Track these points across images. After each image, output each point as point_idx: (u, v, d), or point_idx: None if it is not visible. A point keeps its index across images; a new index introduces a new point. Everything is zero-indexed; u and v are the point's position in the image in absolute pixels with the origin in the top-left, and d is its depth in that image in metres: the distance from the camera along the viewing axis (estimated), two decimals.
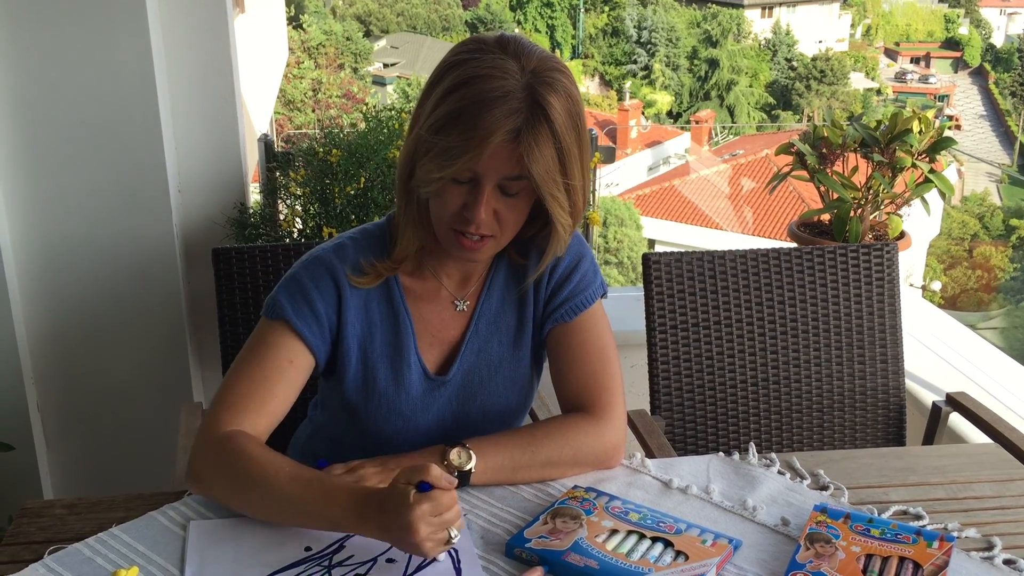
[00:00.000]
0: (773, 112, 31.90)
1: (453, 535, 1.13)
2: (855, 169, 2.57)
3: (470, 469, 1.30)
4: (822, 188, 2.56)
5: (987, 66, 37.08)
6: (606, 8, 34.00)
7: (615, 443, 1.39)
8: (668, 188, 17.99)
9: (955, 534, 1.26)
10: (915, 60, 38.54)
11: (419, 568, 1.17)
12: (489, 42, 1.24)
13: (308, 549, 1.21)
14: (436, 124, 1.21)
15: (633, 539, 1.21)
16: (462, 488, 1.31)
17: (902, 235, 2.55)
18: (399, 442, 1.41)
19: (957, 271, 19.25)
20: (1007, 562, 1.21)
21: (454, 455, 1.30)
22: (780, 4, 36.42)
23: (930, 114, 2.50)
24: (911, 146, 2.45)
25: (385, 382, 1.39)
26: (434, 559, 1.17)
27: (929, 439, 1.99)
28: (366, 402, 1.40)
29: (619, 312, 2.82)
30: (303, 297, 1.34)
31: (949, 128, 2.67)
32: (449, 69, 1.23)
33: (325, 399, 1.51)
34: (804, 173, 2.59)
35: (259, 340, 1.34)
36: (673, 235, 16.30)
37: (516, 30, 32.75)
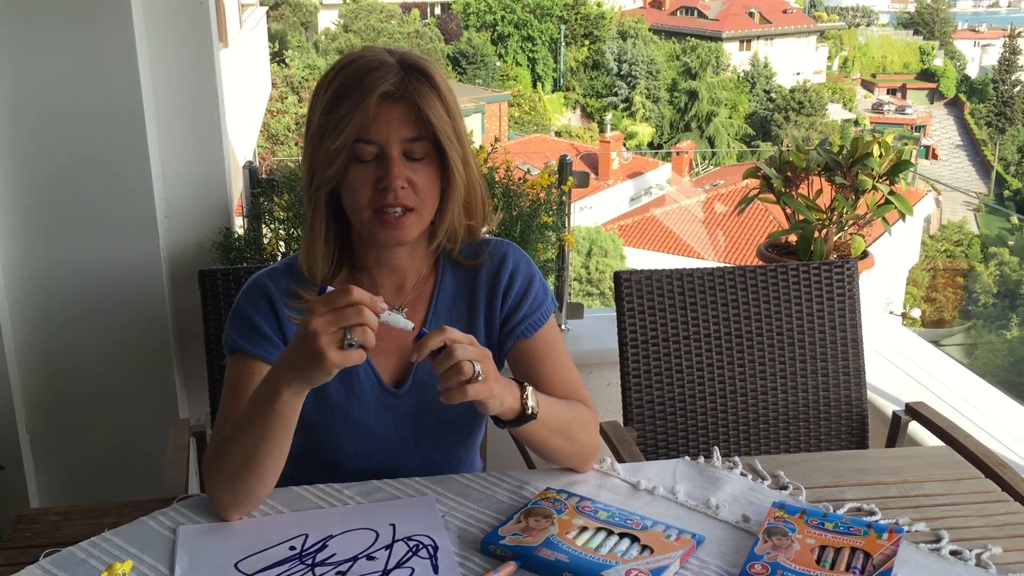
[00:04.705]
0: (753, 143, 32.26)
1: (348, 338, 1.15)
2: (820, 192, 2.67)
3: (535, 411, 1.34)
4: (788, 210, 2.65)
5: (962, 97, 37.67)
6: (587, 42, 34.39)
7: (597, 442, 1.48)
8: (649, 218, 18.17)
9: (905, 527, 1.33)
10: (891, 91, 39.13)
11: (398, 564, 1.23)
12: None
13: (292, 549, 1.27)
14: (326, 107, 1.33)
15: (602, 535, 1.28)
16: (525, 422, 1.33)
17: (865, 255, 2.64)
18: (358, 458, 1.47)
19: (937, 295, 19.45)
20: (953, 553, 1.28)
21: (529, 393, 1.34)
22: (758, 37, 36.97)
23: (889, 138, 2.60)
24: (872, 169, 2.55)
25: (336, 392, 1.45)
26: (412, 555, 1.24)
27: (891, 447, 2.06)
28: (320, 415, 1.46)
29: (596, 331, 2.90)
30: (249, 325, 1.42)
31: (925, 158, 2.77)
32: (330, 70, 1.37)
33: None
34: (771, 196, 2.68)
35: (229, 380, 1.41)
36: (654, 264, 16.33)
37: (498, 64, 33.05)
